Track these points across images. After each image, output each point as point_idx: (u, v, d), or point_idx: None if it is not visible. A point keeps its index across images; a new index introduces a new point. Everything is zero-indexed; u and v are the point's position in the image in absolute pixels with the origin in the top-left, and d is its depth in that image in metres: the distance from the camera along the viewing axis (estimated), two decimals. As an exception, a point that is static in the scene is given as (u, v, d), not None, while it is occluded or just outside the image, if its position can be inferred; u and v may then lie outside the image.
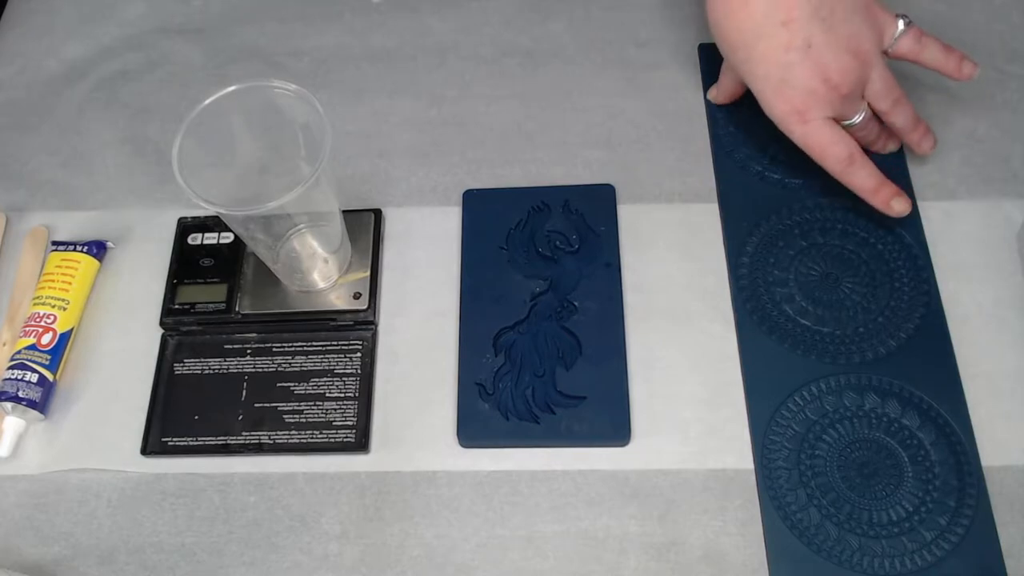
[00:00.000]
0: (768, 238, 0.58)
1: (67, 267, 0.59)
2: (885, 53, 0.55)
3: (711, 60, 0.65)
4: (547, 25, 0.69)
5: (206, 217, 0.61)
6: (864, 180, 0.55)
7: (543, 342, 0.55)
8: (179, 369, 0.57)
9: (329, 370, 0.56)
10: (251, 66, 0.69)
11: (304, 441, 0.54)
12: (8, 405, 0.55)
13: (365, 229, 0.59)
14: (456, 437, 0.54)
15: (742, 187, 0.60)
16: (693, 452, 0.53)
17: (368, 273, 0.58)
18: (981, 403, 0.52)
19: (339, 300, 0.57)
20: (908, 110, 0.56)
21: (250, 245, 0.56)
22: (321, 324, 0.57)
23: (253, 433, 0.55)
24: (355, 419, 0.54)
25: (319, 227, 0.56)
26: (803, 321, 0.55)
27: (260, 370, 0.57)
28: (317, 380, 0.56)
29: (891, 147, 0.59)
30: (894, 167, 0.59)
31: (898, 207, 0.55)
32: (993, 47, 0.64)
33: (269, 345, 0.57)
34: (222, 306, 0.57)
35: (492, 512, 0.52)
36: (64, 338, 0.57)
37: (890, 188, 0.55)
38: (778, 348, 0.54)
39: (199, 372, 0.57)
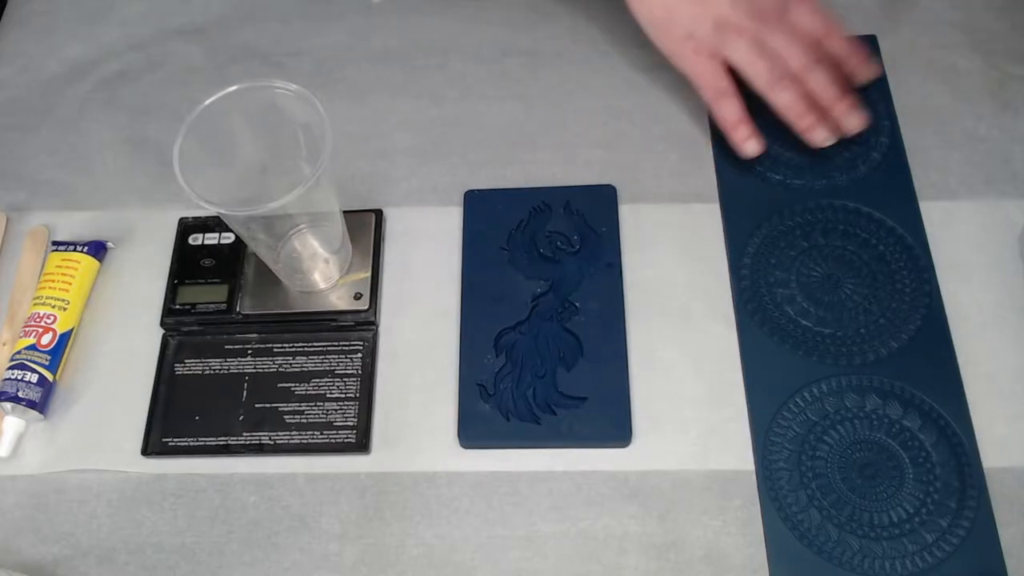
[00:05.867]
0: (769, 239, 0.58)
1: (67, 267, 0.59)
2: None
3: (712, 60, 0.65)
4: (548, 25, 0.69)
5: (207, 217, 0.61)
6: (725, 114, 0.58)
7: (544, 343, 0.55)
8: (180, 369, 0.57)
9: (330, 371, 0.56)
10: (252, 66, 0.69)
11: (305, 442, 0.54)
12: (8, 405, 0.55)
13: (366, 229, 0.59)
14: (457, 438, 0.54)
15: (743, 187, 0.60)
16: (694, 453, 0.53)
17: (369, 273, 0.58)
18: (982, 404, 0.52)
19: (340, 300, 0.57)
20: (820, 77, 0.57)
21: (251, 245, 0.56)
22: (322, 324, 0.57)
23: (254, 434, 0.55)
24: (356, 420, 0.54)
25: (320, 227, 0.56)
26: (804, 322, 0.55)
27: (261, 370, 0.56)
28: (318, 381, 0.56)
29: (819, 134, 0.57)
30: (894, 166, 0.59)
31: (750, 148, 0.58)
32: (993, 47, 0.64)
33: (270, 345, 0.57)
34: (223, 306, 0.57)
35: (492, 512, 0.52)
36: (64, 338, 0.57)
37: (747, 129, 0.58)
38: (779, 349, 0.54)
39: (200, 372, 0.57)
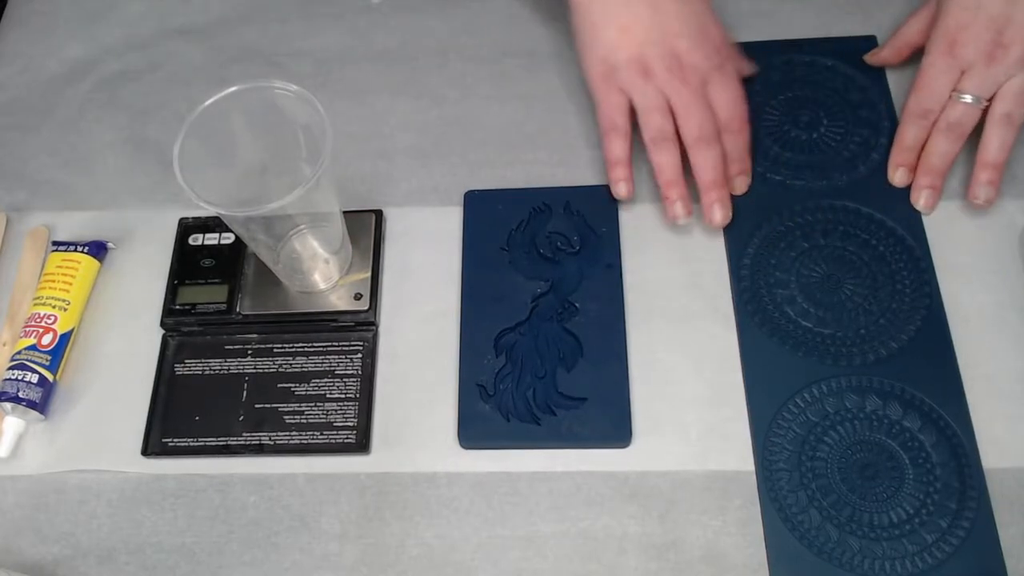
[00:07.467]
0: (770, 239, 0.58)
1: (68, 267, 0.59)
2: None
3: (712, 61, 0.65)
4: (548, 25, 0.69)
5: (207, 217, 0.61)
6: (609, 150, 0.58)
7: (544, 343, 0.55)
8: (180, 370, 0.57)
9: (330, 371, 0.56)
10: (252, 66, 0.69)
11: (305, 442, 0.54)
12: (8, 405, 0.55)
13: (366, 230, 0.59)
14: (456, 438, 0.54)
15: (743, 188, 0.60)
16: (694, 453, 0.53)
17: (369, 274, 0.58)
18: (982, 405, 0.52)
19: (340, 301, 0.57)
20: (704, 157, 0.56)
21: (251, 246, 0.56)
22: (322, 325, 0.57)
23: (254, 434, 0.55)
24: (356, 420, 0.54)
25: (320, 228, 0.56)
26: (804, 323, 0.55)
27: (261, 371, 0.57)
28: (318, 381, 0.56)
29: (675, 209, 0.57)
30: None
31: (619, 190, 0.58)
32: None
33: (270, 346, 0.57)
34: (223, 307, 0.57)
35: (492, 512, 0.52)
36: (64, 339, 0.57)
37: (623, 171, 0.57)
38: (779, 349, 0.54)
39: (200, 373, 0.57)
